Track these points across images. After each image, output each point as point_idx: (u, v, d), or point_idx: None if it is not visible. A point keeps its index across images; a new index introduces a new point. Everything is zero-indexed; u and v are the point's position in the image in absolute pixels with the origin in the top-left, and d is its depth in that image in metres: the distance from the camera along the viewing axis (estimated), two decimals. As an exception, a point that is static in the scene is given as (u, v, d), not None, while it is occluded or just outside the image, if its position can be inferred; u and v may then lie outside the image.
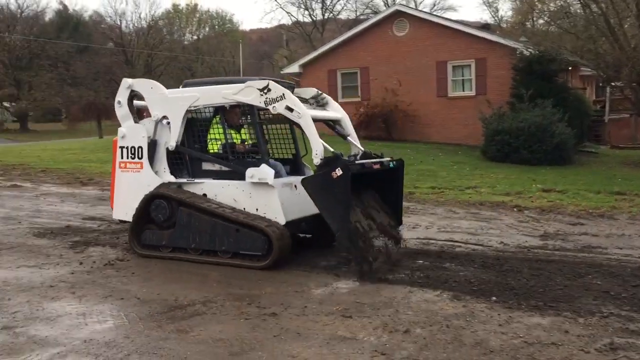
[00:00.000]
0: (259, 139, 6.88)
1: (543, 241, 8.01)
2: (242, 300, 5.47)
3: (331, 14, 58.41)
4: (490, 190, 12.70)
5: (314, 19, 58.57)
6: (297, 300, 5.46)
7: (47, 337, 4.59)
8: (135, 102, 7.57)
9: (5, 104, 53.98)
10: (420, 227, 9.02)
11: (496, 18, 53.17)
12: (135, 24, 61.97)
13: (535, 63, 19.25)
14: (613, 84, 23.19)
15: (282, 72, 27.61)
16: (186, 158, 7.14)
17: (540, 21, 30.67)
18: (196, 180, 6.98)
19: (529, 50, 20.32)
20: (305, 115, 6.49)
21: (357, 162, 6.53)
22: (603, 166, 17.73)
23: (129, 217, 7.22)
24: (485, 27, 27.36)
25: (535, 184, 13.48)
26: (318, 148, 6.37)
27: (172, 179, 7.07)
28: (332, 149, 6.52)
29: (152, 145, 7.18)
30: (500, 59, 20.93)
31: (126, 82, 7.42)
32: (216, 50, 65.42)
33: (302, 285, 5.96)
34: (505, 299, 5.39)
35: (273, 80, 6.68)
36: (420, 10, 29.27)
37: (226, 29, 70.20)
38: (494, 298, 5.40)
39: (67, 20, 60.19)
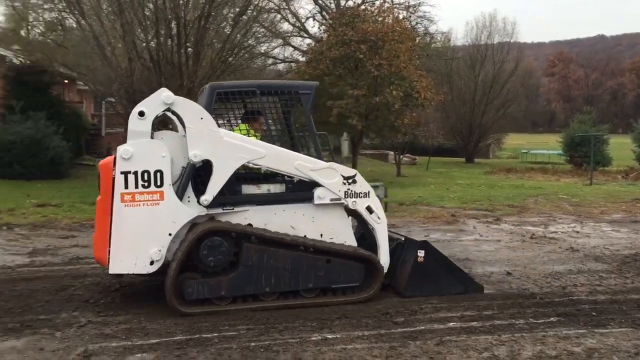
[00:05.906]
0: (319, 151, 5.93)
1: (30, 258, 7.74)
2: None
3: None
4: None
5: None
6: None
7: None
8: None
9: None
10: None
11: (-13, 21, 48.84)
12: None
13: (26, 74, 18.59)
14: (107, 99, 24.36)
15: None
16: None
17: (37, 31, 29.74)
18: (237, 209, 5.62)
19: (20, 59, 19.45)
20: (384, 222, 6.05)
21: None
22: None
23: (140, 268, 5.41)
24: (-30, 28, 24.67)
25: (30, 199, 12.99)
26: (387, 260, 6.02)
27: (202, 210, 5.53)
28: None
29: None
30: (-12, 66, 19.34)
31: (167, 96, 5.47)
32: None
33: None
34: (-22, 328, 4.95)
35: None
36: None
37: None
38: (-40, 331, 4.89)
39: None
